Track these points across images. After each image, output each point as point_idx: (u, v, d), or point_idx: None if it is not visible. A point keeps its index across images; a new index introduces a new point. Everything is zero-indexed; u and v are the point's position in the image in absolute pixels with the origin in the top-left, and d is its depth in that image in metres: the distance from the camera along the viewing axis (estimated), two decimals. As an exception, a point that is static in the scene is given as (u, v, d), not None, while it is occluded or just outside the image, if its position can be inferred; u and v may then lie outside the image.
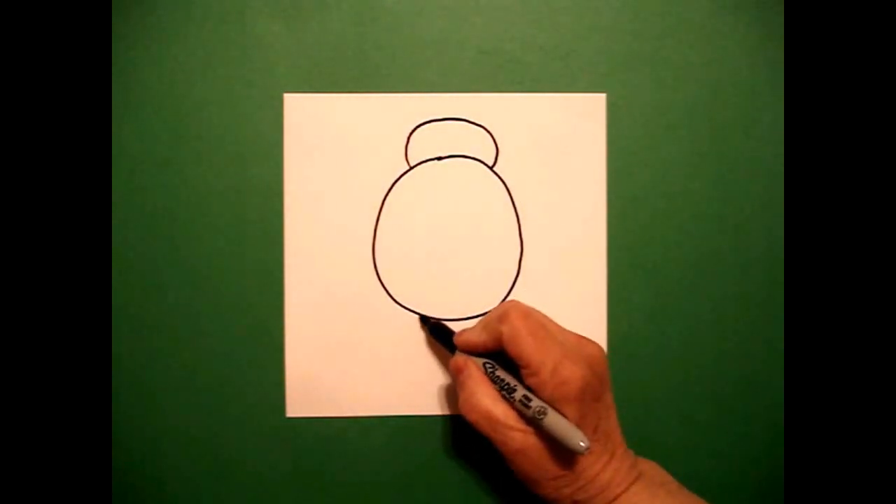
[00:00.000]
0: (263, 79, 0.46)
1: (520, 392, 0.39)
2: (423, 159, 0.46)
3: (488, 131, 0.46)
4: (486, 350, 0.42)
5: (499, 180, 0.46)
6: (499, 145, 0.46)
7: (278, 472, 0.46)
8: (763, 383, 0.46)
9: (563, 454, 0.39)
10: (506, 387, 0.40)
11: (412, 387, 0.46)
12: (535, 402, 0.38)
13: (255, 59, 0.45)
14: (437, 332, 0.45)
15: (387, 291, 0.46)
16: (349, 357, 0.46)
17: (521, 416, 0.39)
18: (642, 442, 0.42)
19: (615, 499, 0.39)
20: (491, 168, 0.46)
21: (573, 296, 0.46)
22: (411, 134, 0.46)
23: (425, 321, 0.46)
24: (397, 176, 0.46)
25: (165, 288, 0.45)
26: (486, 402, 0.40)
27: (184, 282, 0.45)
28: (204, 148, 0.46)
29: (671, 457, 0.43)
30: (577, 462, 0.39)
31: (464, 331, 0.43)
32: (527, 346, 0.39)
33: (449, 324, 0.45)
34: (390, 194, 0.46)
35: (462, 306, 0.46)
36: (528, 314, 0.41)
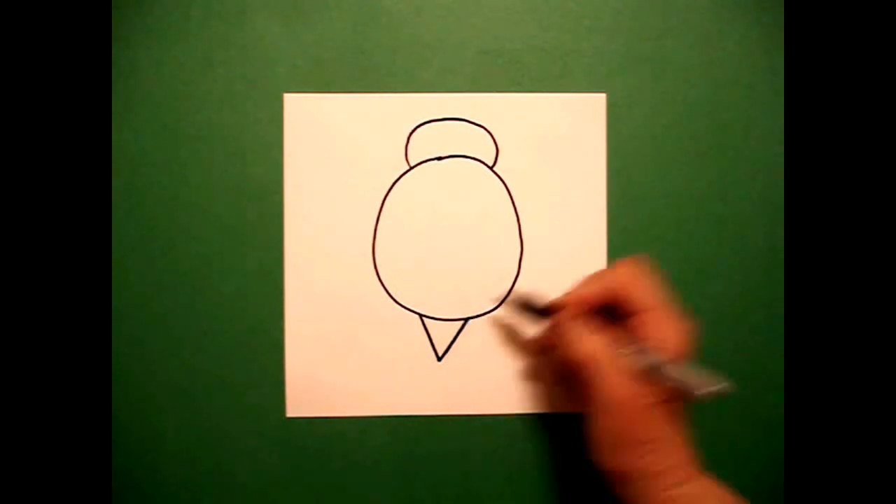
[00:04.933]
0: (263, 79, 0.46)
1: (639, 345, 0.39)
2: (423, 159, 0.46)
3: (488, 131, 0.46)
4: (598, 303, 0.41)
5: (499, 180, 0.46)
6: (499, 145, 0.46)
7: (278, 472, 0.46)
8: (763, 383, 0.46)
9: (662, 415, 0.38)
10: (627, 344, 0.39)
11: (412, 387, 0.46)
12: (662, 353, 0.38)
13: (255, 59, 0.45)
14: (525, 307, 0.44)
15: (387, 291, 0.46)
16: (349, 357, 0.46)
17: (645, 366, 0.38)
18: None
19: (688, 479, 0.38)
20: (491, 168, 0.46)
21: (573, 296, 0.46)
22: (411, 134, 0.46)
23: (509, 301, 0.45)
24: (397, 176, 0.46)
25: (165, 288, 0.45)
26: (595, 340, 0.39)
27: (184, 282, 0.45)
28: (204, 148, 0.46)
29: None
30: (672, 425, 0.38)
31: (569, 290, 0.42)
32: (649, 289, 0.40)
33: (449, 324, 0.45)
34: (390, 194, 0.46)
35: (462, 306, 0.46)
36: (644, 266, 0.41)
